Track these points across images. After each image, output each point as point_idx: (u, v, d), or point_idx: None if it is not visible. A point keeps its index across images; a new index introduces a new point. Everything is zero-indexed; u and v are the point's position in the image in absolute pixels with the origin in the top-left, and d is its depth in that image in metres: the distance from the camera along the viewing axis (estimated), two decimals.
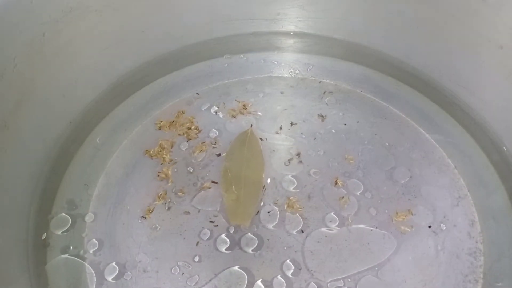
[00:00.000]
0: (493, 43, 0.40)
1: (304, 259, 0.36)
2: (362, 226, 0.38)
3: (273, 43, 0.51)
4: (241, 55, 0.50)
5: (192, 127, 0.43)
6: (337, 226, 0.38)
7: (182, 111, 0.45)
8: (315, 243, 0.37)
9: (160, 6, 0.45)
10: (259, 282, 0.35)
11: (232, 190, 0.39)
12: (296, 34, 0.51)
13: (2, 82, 0.34)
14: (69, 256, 0.36)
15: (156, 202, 0.39)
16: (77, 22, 0.40)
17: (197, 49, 0.50)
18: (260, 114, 0.45)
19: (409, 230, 0.38)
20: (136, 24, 0.45)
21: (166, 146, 0.42)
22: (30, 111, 0.38)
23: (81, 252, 0.37)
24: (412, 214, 0.38)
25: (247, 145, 0.42)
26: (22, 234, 0.36)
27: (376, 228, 0.38)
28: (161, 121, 0.44)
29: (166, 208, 0.39)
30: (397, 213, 0.38)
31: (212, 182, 0.40)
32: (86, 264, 0.36)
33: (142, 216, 0.38)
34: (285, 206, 0.39)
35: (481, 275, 0.36)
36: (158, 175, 0.40)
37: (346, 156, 0.42)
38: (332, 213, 0.38)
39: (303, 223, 0.38)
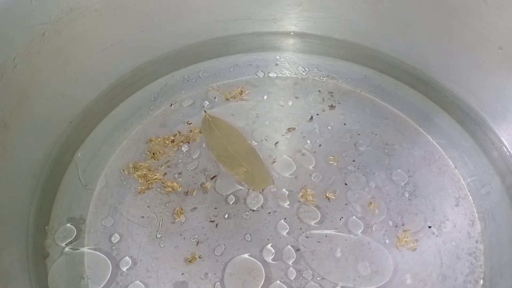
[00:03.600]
0: (493, 43, 0.40)
1: (304, 259, 0.36)
2: (360, 226, 0.38)
3: (273, 43, 0.51)
4: (241, 55, 0.50)
5: (177, 136, 0.43)
6: (320, 226, 0.38)
7: (149, 139, 0.43)
8: (315, 243, 0.37)
9: (160, 6, 0.45)
10: (269, 246, 0.36)
11: (236, 167, 0.40)
12: (296, 34, 0.51)
13: (2, 82, 0.34)
14: (69, 256, 0.37)
15: (178, 219, 0.38)
16: (77, 22, 0.40)
17: (197, 49, 0.50)
18: (265, 97, 0.46)
19: (416, 245, 0.37)
20: (136, 24, 0.45)
21: (146, 172, 0.40)
22: (30, 111, 0.38)
23: (81, 251, 0.37)
24: (410, 229, 0.38)
25: (215, 128, 0.43)
26: (22, 234, 0.36)
27: (374, 226, 0.38)
28: (137, 167, 0.41)
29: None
30: (398, 237, 0.38)
31: (212, 178, 0.40)
32: (86, 264, 0.36)
33: (142, 216, 0.38)
34: (299, 196, 0.39)
35: (481, 275, 0.36)
36: (165, 189, 0.40)
37: (345, 156, 0.42)
38: (326, 215, 0.39)
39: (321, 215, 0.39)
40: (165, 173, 0.41)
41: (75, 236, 0.37)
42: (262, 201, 0.39)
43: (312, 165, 0.41)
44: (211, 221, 0.38)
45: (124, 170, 0.41)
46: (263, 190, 0.40)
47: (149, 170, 0.41)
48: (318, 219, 0.38)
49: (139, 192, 0.40)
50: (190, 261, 0.36)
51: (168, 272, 0.36)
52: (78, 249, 0.37)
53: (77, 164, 0.42)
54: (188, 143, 0.43)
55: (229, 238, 0.37)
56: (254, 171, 0.41)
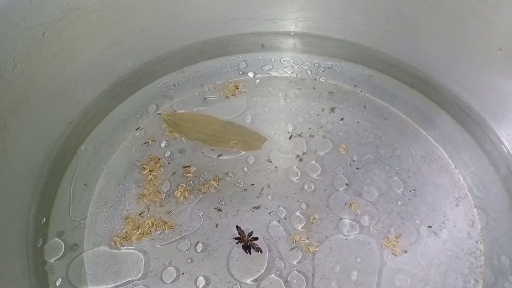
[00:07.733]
0: (493, 43, 0.40)
1: (303, 258, 0.36)
2: (360, 226, 0.38)
3: (273, 43, 0.51)
4: (241, 55, 0.50)
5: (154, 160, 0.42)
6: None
7: (141, 195, 0.40)
8: (315, 242, 0.37)
9: (160, 6, 0.45)
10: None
11: (225, 142, 0.42)
12: (296, 34, 0.51)
13: (2, 82, 0.34)
14: (69, 256, 0.37)
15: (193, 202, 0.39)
16: (77, 22, 0.40)
17: (197, 49, 0.50)
18: (265, 97, 0.46)
19: (416, 245, 0.37)
20: (136, 24, 0.45)
21: (138, 230, 0.37)
22: (30, 111, 0.38)
23: (81, 251, 0.37)
24: (410, 230, 0.38)
25: (180, 122, 0.43)
26: (22, 234, 0.36)
27: (375, 228, 0.38)
28: (125, 238, 0.37)
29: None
30: (398, 238, 0.37)
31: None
32: (86, 264, 0.36)
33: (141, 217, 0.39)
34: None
35: (481, 275, 0.36)
36: (179, 199, 0.39)
37: (344, 156, 0.42)
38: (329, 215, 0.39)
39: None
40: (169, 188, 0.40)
41: (75, 235, 0.37)
42: (261, 199, 0.39)
43: (311, 165, 0.41)
44: (210, 220, 0.38)
45: (115, 243, 0.37)
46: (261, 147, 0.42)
47: (137, 227, 0.38)
48: (317, 220, 0.38)
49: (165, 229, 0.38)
50: (189, 261, 0.36)
51: (169, 272, 0.36)
52: (78, 248, 0.37)
53: (79, 159, 0.42)
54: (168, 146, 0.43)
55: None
56: (244, 137, 0.42)
